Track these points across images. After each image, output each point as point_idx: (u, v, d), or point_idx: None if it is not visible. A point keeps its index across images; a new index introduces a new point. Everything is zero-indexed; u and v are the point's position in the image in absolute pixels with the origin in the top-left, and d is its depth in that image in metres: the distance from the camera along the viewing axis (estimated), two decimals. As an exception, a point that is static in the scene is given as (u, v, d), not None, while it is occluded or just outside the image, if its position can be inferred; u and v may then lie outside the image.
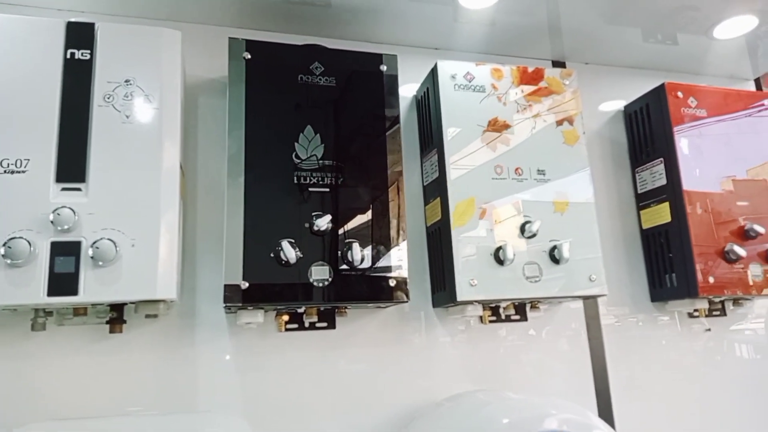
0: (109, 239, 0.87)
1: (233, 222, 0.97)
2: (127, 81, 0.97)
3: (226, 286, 0.94)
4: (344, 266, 1.00)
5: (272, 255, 0.97)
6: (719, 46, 1.38)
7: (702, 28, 1.31)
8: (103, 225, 0.89)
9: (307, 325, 1.10)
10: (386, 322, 1.16)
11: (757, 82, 1.57)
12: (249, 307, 0.97)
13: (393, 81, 1.12)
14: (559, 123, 1.19)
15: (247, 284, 0.95)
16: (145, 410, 0.99)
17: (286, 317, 1.05)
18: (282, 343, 1.08)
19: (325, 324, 1.11)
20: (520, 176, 1.13)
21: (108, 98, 0.95)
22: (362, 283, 1.01)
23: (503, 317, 1.21)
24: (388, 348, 1.14)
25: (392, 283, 1.02)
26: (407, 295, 1.02)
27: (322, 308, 1.08)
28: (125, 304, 0.96)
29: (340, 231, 1.01)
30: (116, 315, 0.96)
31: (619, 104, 1.45)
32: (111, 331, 0.96)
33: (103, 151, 0.92)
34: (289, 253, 0.95)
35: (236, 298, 0.94)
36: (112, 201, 0.91)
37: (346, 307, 1.08)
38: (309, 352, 1.09)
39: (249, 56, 1.05)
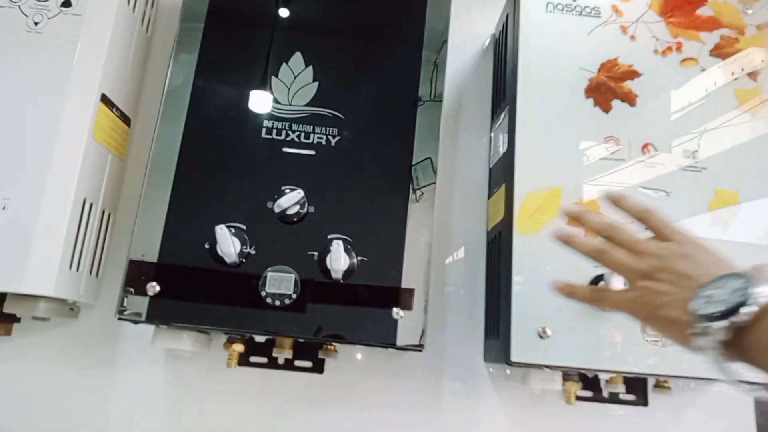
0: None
1: (156, 190, 0.62)
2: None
3: (126, 290, 0.59)
4: (322, 277, 0.60)
5: (207, 246, 0.61)
6: None
7: None
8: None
9: (282, 362, 0.72)
10: (403, 373, 0.74)
11: None
12: (162, 326, 0.62)
13: (443, 1, 0.71)
14: (732, 76, 0.69)
15: (157, 287, 0.59)
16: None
17: (239, 347, 0.67)
18: (228, 385, 0.70)
19: (309, 363, 0.72)
20: (650, 157, 0.66)
21: (14, -2, 0.66)
22: (343, 308, 0.60)
23: (605, 395, 0.73)
24: (403, 417, 0.72)
25: (397, 315, 0.60)
26: (420, 340, 0.60)
27: (302, 339, 0.69)
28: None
29: (322, 220, 0.62)
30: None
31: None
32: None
33: (-12, 66, 0.63)
34: (226, 245, 0.58)
35: (137, 309, 0.59)
36: (-20, 138, 0.61)
37: (332, 343, 0.68)
38: (271, 404, 0.71)
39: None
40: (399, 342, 0.60)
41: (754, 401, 0.77)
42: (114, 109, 0.69)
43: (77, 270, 0.64)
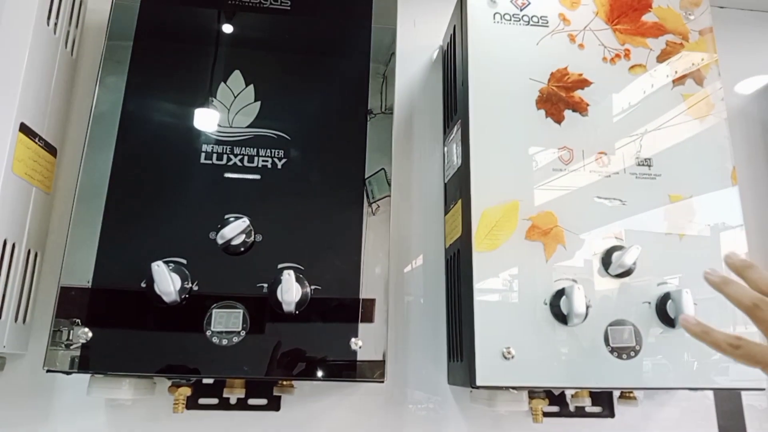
0: None
1: (85, 225, 0.57)
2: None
3: (54, 338, 0.54)
4: (273, 311, 0.56)
5: (144, 285, 0.56)
6: None
7: None
8: None
9: (234, 402, 0.67)
10: (364, 403, 0.70)
11: None
12: (97, 374, 0.56)
13: (388, 13, 0.68)
14: (678, 81, 0.69)
15: (90, 333, 0.54)
16: None
17: (186, 390, 0.62)
18: (177, 431, 0.65)
19: (263, 401, 0.68)
20: (604, 167, 0.65)
21: None
22: (297, 343, 0.56)
23: (571, 409, 0.72)
24: (366, 450, 0.68)
25: (355, 346, 0.57)
26: (380, 371, 0.56)
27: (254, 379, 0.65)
28: None
29: (271, 249, 0.58)
30: None
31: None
32: None
33: None
34: (164, 283, 0.53)
35: (69, 358, 0.53)
36: None
37: (286, 380, 0.64)
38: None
39: (157, -36, 0.66)
40: (359, 374, 0.56)
41: (715, 404, 0.77)
42: (37, 139, 0.63)
43: (-1, 318, 0.57)
